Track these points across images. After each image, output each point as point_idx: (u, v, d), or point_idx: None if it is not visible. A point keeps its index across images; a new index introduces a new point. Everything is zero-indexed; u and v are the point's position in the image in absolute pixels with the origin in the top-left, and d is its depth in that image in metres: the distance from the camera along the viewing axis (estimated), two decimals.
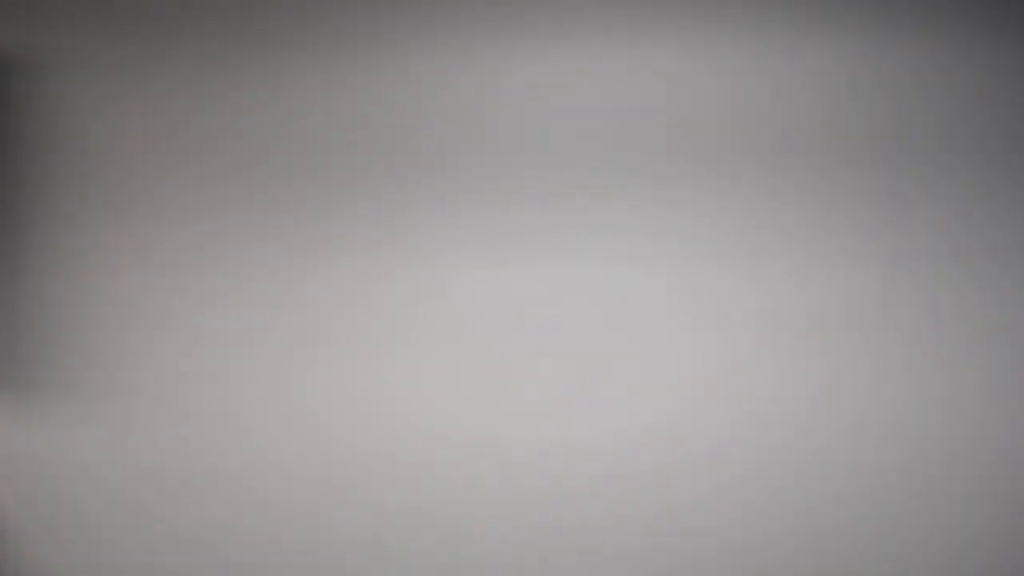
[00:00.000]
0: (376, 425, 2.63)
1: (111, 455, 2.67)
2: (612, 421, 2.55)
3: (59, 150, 2.66)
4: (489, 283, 2.54)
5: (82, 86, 2.65)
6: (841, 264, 2.46)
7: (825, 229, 2.48)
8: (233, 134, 2.63)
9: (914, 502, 2.47)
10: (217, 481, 2.66)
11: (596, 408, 2.55)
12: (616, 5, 2.51)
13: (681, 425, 2.55)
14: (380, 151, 2.60)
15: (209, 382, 2.64)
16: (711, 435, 2.51)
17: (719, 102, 2.51)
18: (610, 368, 2.55)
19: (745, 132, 2.49)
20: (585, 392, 2.54)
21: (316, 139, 2.61)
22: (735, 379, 2.51)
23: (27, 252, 2.67)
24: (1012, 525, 2.43)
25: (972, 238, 2.45)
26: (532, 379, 2.56)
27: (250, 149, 2.62)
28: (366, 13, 2.58)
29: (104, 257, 2.65)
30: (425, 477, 2.57)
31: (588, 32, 2.52)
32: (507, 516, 2.58)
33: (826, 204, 2.47)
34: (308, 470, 2.63)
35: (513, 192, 2.54)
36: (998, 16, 2.41)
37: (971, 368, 2.44)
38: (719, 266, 2.50)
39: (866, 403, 2.50)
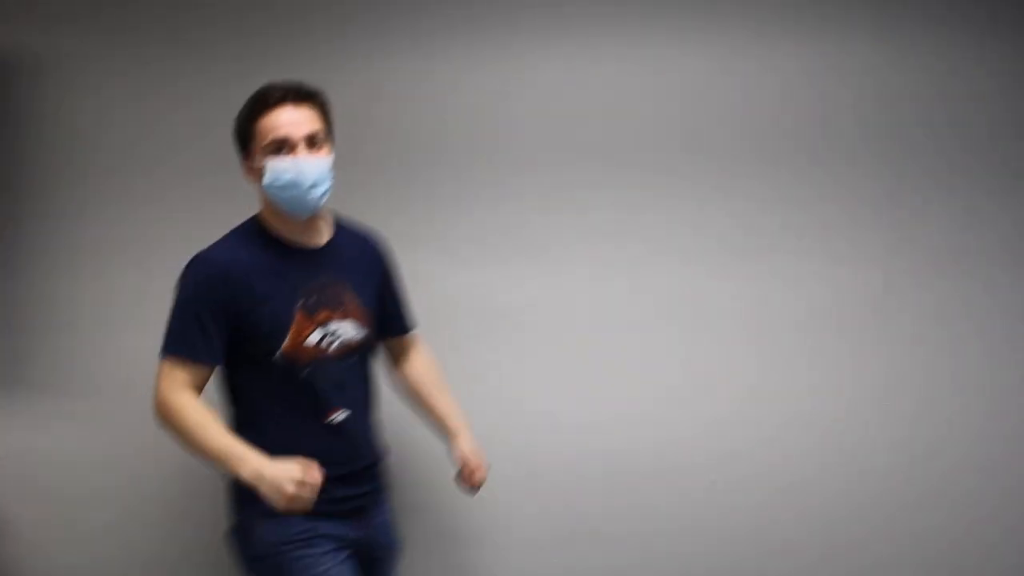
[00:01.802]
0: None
1: (110, 454, 2.66)
2: (617, 416, 2.55)
3: (57, 150, 2.66)
4: (486, 282, 2.54)
5: (81, 87, 2.65)
6: (841, 263, 2.46)
7: (826, 229, 2.48)
8: (230, 136, 2.63)
9: (916, 497, 2.47)
10: (216, 479, 2.65)
11: (598, 405, 2.55)
12: (619, 8, 2.52)
13: (684, 421, 2.55)
14: (381, 150, 2.60)
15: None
16: (713, 431, 2.51)
17: (719, 104, 2.50)
18: (614, 367, 2.55)
19: (744, 134, 2.49)
20: (586, 389, 2.54)
21: None
22: (736, 377, 2.51)
23: (26, 252, 2.67)
24: (1013, 522, 2.43)
25: (971, 238, 2.45)
26: (532, 376, 2.56)
27: None
28: (368, 13, 2.57)
29: (104, 257, 2.65)
30: (424, 476, 2.57)
31: (596, 35, 2.52)
32: (513, 508, 2.58)
33: (826, 204, 2.47)
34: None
35: (512, 193, 2.54)
36: (996, 19, 2.41)
37: (971, 365, 2.44)
38: (721, 266, 2.50)
39: (867, 399, 2.50)
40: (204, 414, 1.84)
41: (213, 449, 1.81)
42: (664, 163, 2.51)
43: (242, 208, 2.62)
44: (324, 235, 1.98)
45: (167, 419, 1.86)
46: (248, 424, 1.92)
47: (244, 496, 1.87)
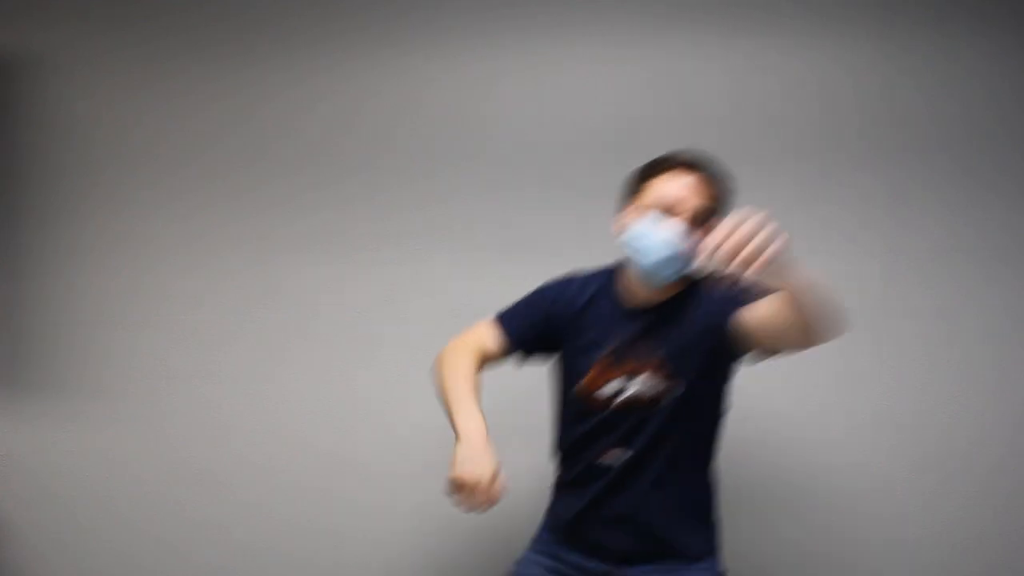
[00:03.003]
0: (368, 424, 2.62)
1: (110, 454, 2.67)
2: None
3: (57, 150, 2.66)
4: (480, 283, 2.54)
5: (81, 86, 2.65)
6: (841, 262, 2.45)
7: (825, 228, 2.47)
8: (228, 135, 2.63)
9: (918, 494, 2.46)
10: (215, 479, 2.66)
11: None
12: (617, 5, 2.51)
13: None
14: (374, 151, 2.60)
15: (206, 381, 2.64)
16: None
17: (717, 103, 2.50)
18: None
19: (742, 133, 2.48)
20: None
21: (310, 139, 2.61)
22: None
23: (26, 252, 2.67)
24: (1014, 521, 2.41)
25: (972, 235, 2.44)
26: (530, 375, 2.55)
27: (245, 149, 2.63)
28: (363, 14, 2.57)
29: (104, 257, 2.65)
30: (417, 476, 2.57)
31: (591, 32, 2.52)
32: (504, 512, 2.57)
33: (829, 200, 2.46)
34: (297, 470, 2.63)
35: (507, 192, 2.54)
36: (999, 17, 2.40)
37: (971, 363, 2.43)
38: None
39: (867, 398, 2.49)
40: (465, 369, 1.89)
41: (448, 398, 1.85)
42: None
43: (241, 208, 2.64)
44: (667, 293, 1.88)
45: (441, 357, 1.95)
46: (554, 439, 2.03)
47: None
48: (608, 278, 1.96)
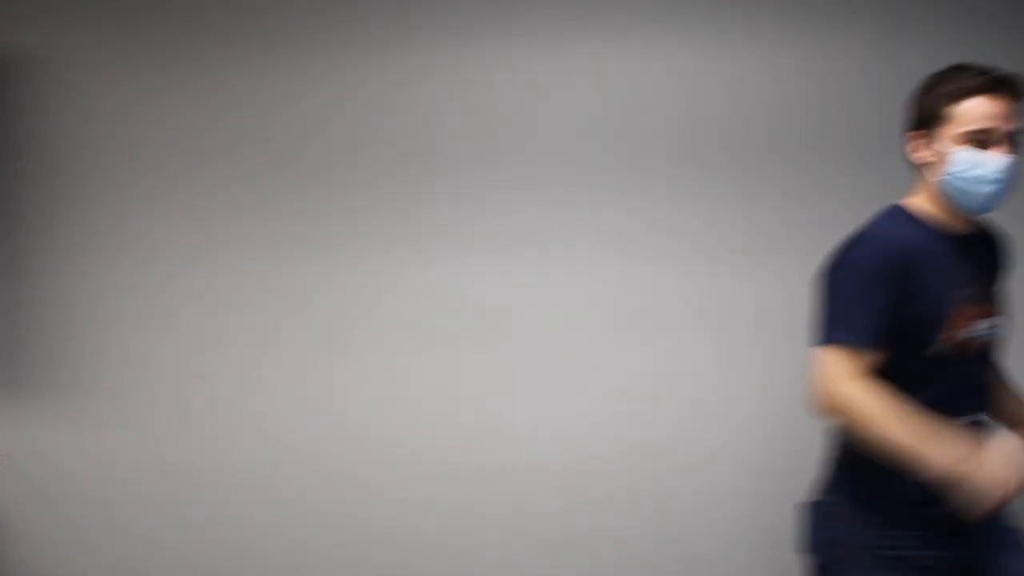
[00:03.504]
0: (366, 424, 2.63)
1: (110, 454, 2.68)
2: (610, 418, 2.55)
3: (55, 150, 2.68)
4: (495, 283, 2.55)
5: (79, 87, 2.67)
6: None
7: (825, 228, 2.47)
8: (235, 135, 2.65)
9: None
10: (211, 479, 2.67)
11: (601, 407, 2.55)
12: (616, 5, 2.51)
13: (680, 421, 2.55)
14: (389, 153, 2.61)
15: (204, 381, 2.66)
16: (711, 432, 2.51)
17: (719, 103, 2.50)
18: (607, 366, 2.55)
19: (740, 133, 2.49)
20: (586, 389, 2.54)
21: (323, 140, 2.63)
22: (736, 377, 2.51)
23: (25, 252, 2.68)
24: None
25: None
26: (540, 375, 2.56)
27: (253, 150, 2.65)
28: (361, 11, 2.58)
29: (103, 257, 2.67)
30: (416, 478, 2.58)
31: (589, 32, 2.52)
32: (517, 503, 2.58)
33: (825, 204, 2.47)
34: (293, 471, 2.64)
35: (496, 191, 2.55)
36: (996, 16, 2.41)
37: None
38: (718, 265, 2.49)
39: None
40: (881, 403, 1.68)
41: (897, 445, 1.67)
42: (659, 163, 2.51)
43: (242, 209, 2.64)
44: (965, 223, 1.82)
45: (838, 414, 1.72)
46: None
47: (844, 481, 1.82)
48: (909, 217, 1.79)
